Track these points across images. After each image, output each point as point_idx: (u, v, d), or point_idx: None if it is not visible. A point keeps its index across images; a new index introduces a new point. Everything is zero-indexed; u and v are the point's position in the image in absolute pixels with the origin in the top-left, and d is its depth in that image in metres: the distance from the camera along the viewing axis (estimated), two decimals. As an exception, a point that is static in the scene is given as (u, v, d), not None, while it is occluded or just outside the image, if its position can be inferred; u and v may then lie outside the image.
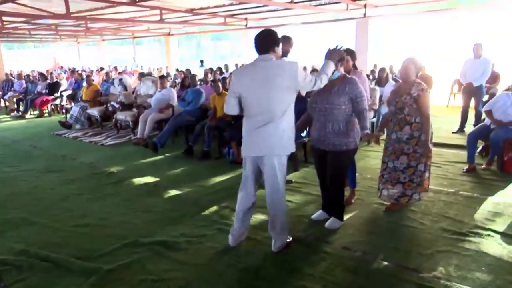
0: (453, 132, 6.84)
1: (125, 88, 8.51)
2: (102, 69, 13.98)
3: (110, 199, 4.21)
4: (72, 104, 9.50)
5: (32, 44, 25.61)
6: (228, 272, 2.77)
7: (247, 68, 2.84)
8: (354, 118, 3.22)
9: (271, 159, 2.78)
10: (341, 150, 3.21)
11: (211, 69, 11.25)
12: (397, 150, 3.57)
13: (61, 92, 10.65)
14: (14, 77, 12.26)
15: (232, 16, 12.91)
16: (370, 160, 5.38)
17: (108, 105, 8.11)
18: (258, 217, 3.55)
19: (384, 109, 6.97)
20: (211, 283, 2.66)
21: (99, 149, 6.54)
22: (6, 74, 12.26)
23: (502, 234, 3.18)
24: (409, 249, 3.01)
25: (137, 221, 3.63)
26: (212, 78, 8.24)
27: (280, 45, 2.78)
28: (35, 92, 10.78)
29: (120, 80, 8.65)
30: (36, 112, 10.46)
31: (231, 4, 10.49)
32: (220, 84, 5.96)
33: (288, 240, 3.08)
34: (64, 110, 9.63)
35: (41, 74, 11.64)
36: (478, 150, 5.25)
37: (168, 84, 10.20)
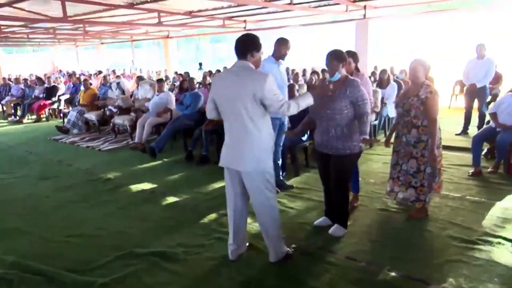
0: (456, 134, 6.72)
1: (123, 92, 8.40)
2: (100, 72, 13.85)
3: (106, 207, 4.08)
4: (70, 108, 9.39)
5: (31, 48, 25.53)
6: (227, 285, 2.65)
7: (223, 73, 2.71)
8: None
9: (246, 174, 2.64)
10: (345, 154, 3.10)
11: (210, 71, 11.13)
12: (407, 153, 3.47)
13: (58, 96, 10.53)
14: (12, 82, 12.13)
15: (230, 18, 12.81)
16: (373, 164, 5.26)
17: (106, 109, 7.99)
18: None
19: (386, 111, 6.87)
20: (210, 297, 2.54)
21: (96, 155, 6.42)
22: (4, 78, 12.15)
23: (513, 242, 3.05)
24: (416, 258, 2.89)
25: (133, 231, 3.50)
26: (210, 81, 8.12)
27: (261, 50, 2.62)
28: (33, 96, 10.67)
29: (118, 83, 8.53)
30: (34, 116, 10.33)
31: (230, 6, 10.39)
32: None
33: (288, 251, 2.93)
34: (62, 115, 9.51)
35: (38, 78, 11.53)
36: (483, 152, 5.13)
37: (166, 87, 10.15)
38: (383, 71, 7.30)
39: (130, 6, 9.22)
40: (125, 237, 3.37)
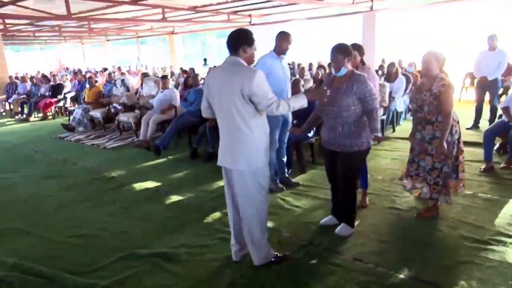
0: (467, 128, 6.54)
1: (128, 89, 8.34)
2: (105, 69, 13.84)
3: (109, 207, 4.03)
4: (76, 106, 9.37)
5: (38, 46, 25.67)
6: (230, 288, 2.57)
7: (214, 70, 2.61)
8: (365, 117, 3.00)
9: (237, 173, 2.55)
10: (353, 151, 2.99)
11: (214, 67, 11.04)
12: (422, 150, 3.35)
13: (64, 94, 10.53)
14: (18, 80, 12.17)
15: (235, 13, 12.70)
16: (381, 160, 5.14)
17: (111, 106, 7.94)
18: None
19: (394, 105, 6.73)
20: (212, 300, 2.47)
21: (101, 153, 6.38)
22: (10, 77, 12.17)
23: (528, 242, 2.93)
24: (426, 259, 2.78)
25: (136, 231, 3.45)
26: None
27: (254, 45, 2.51)
28: (39, 94, 10.67)
29: (122, 80, 8.47)
30: (40, 114, 10.35)
31: (234, 1, 10.28)
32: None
33: (277, 254, 2.81)
34: (68, 113, 9.51)
35: (44, 76, 11.54)
36: (495, 147, 4.98)
37: (172, 84, 10.07)
38: (391, 65, 7.14)
39: (134, 2, 9.16)
40: (127, 238, 3.32)
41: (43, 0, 8.82)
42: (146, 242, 3.21)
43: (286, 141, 4.28)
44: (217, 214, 3.68)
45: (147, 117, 6.62)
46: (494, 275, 2.55)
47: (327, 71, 9.12)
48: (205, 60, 15.01)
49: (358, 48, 3.48)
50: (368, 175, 3.98)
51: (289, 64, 10.48)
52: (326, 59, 10.83)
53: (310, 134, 4.92)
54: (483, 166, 4.56)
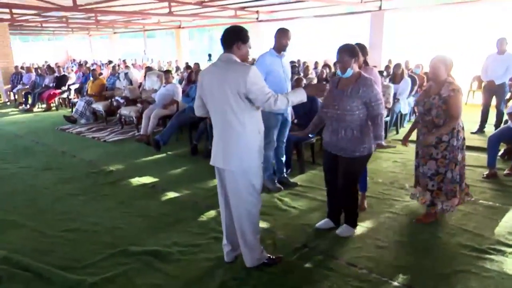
0: (472, 133, 6.44)
1: (131, 82, 8.32)
2: (110, 62, 13.83)
3: (104, 201, 4.01)
4: (79, 98, 9.37)
5: (47, 37, 25.74)
6: (220, 289, 2.53)
7: (208, 68, 2.55)
8: (369, 122, 2.93)
9: (229, 173, 2.50)
10: (354, 156, 2.93)
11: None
12: (425, 154, 3.27)
13: (68, 85, 10.53)
14: (24, 70, 12.19)
15: (243, 8, 12.61)
16: (382, 162, 5.06)
17: (113, 99, 7.92)
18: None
19: (398, 107, 6.63)
20: (201, 302, 2.43)
21: (101, 146, 6.36)
22: (16, 67, 12.20)
23: (528, 252, 2.86)
24: (421, 267, 2.72)
25: (129, 227, 3.41)
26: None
27: (248, 42, 2.46)
28: (43, 85, 10.68)
29: (126, 74, 8.45)
30: (44, 105, 10.36)
31: (241, -4, 10.22)
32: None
33: (269, 257, 2.76)
34: (71, 104, 9.51)
35: (48, 67, 11.55)
36: (500, 153, 4.88)
37: (177, 78, 10.03)
38: (397, 66, 7.04)
39: (140, -5, 9.12)
40: (121, 234, 3.28)
41: (50, -10, 8.83)
42: (139, 239, 3.18)
43: (285, 140, 4.22)
44: (212, 213, 3.63)
45: (148, 111, 6.58)
46: (491, 285, 2.48)
47: (332, 70, 9.03)
48: (209, 55, 14.94)
49: (361, 48, 3.39)
50: (368, 178, 3.92)
51: (294, 62, 10.46)
52: (332, 58, 10.76)
53: (311, 135, 4.85)
54: (486, 172, 4.47)
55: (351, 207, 3.17)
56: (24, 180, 4.71)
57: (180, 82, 8.81)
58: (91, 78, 8.86)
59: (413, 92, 7.21)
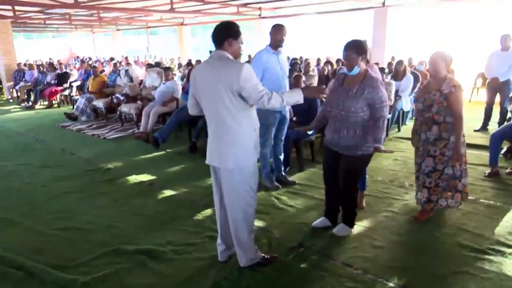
0: (475, 130, 6.36)
1: (131, 79, 8.29)
2: (112, 59, 13.82)
3: (101, 199, 3.98)
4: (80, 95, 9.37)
5: (51, 34, 25.81)
6: (213, 290, 2.49)
7: (200, 65, 2.50)
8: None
9: (225, 172, 2.46)
10: (356, 155, 2.88)
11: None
12: (425, 151, 3.23)
13: (70, 82, 10.52)
14: (26, 67, 12.20)
15: (245, 5, 12.54)
16: (382, 160, 4.99)
17: (113, 97, 7.90)
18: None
19: (400, 105, 6.55)
20: (193, 302, 2.39)
21: (100, 143, 6.35)
22: (19, 64, 12.22)
23: (528, 253, 2.79)
24: (419, 267, 2.67)
25: (124, 225, 3.38)
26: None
27: (239, 38, 2.40)
28: (45, 82, 10.69)
29: (126, 71, 8.43)
30: (46, 103, 10.37)
31: (243, -7, 10.14)
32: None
33: (264, 256, 2.73)
34: (73, 101, 9.51)
35: (50, 65, 11.55)
36: (502, 152, 4.80)
37: (179, 75, 9.98)
38: (399, 62, 6.93)
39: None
40: (115, 232, 3.26)
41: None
42: (133, 238, 3.15)
43: (283, 138, 4.16)
44: (209, 211, 3.60)
45: (148, 108, 6.56)
46: (489, 287, 2.43)
47: (334, 67, 8.94)
48: (210, 52, 14.86)
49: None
50: (367, 176, 3.88)
51: (296, 59, 10.39)
52: (335, 55, 10.67)
53: (310, 132, 4.80)
54: (488, 170, 4.40)
55: (350, 206, 3.13)
56: (21, 178, 4.69)
57: (182, 79, 8.77)
58: (92, 75, 8.84)
59: (416, 89, 7.12)
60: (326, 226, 3.23)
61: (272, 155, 4.18)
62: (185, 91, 6.54)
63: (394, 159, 5.00)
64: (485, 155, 4.83)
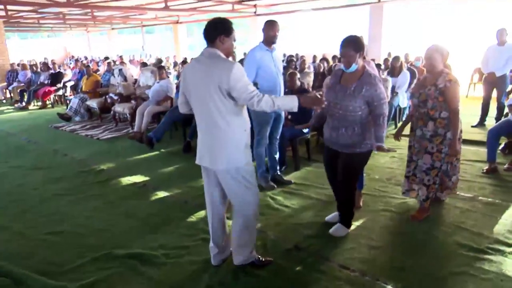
0: (472, 126, 6.30)
1: (125, 78, 8.19)
2: (107, 58, 13.70)
3: (93, 201, 3.90)
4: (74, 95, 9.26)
5: (46, 34, 25.61)
6: (205, 295, 2.42)
7: (191, 63, 2.43)
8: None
9: (219, 173, 2.40)
10: (355, 153, 2.82)
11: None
12: (422, 147, 3.17)
13: (64, 82, 10.41)
14: (19, 67, 12.07)
15: (240, 2, 12.45)
16: (379, 158, 4.92)
17: (107, 96, 7.80)
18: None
19: (397, 101, 6.49)
20: (185, 308, 2.32)
21: (93, 144, 6.26)
22: (12, 64, 12.09)
23: (528, 252, 2.73)
24: (417, 268, 2.60)
25: (116, 229, 3.30)
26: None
27: (232, 35, 2.32)
28: (38, 82, 10.56)
29: (120, 70, 8.32)
30: (39, 103, 10.25)
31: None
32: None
33: (259, 258, 2.68)
34: (67, 101, 9.40)
35: (44, 64, 11.41)
36: (500, 147, 4.74)
37: (174, 74, 9.88)
38: (396, 58, 6.87)
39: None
40: (106, 236, 3.18)
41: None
42: (124, 241, 3.07)
43: (278, 137, 4.09)
44: (202, 213, 3.52)
45: (142, 108, 6.47)
46: (489, 288, 2.37)
47: (330, 63, 8.86)
48: (204, 50, 14.74)
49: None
50: (364, 174, 3.80)
51: (292, 56, 10.30)
52: (330, 51, 10.59)
53: (306, 130, 4.73)
54: (485, 167, 4.34)
55: (347, 205, 3.07)
56: (12, 180, 4.60)
57: (178, 77, 8.69)
58: (86, 75, 8.73)
59: (412, 85, 7.06)
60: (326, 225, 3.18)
61: (267, 154, 4.11)
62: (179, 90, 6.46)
63: (391, 157, 4.93)
64: (482, 151, 4.78)
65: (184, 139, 5.78)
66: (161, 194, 4.05)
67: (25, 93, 10.52)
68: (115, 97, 7.52)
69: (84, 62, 13.68)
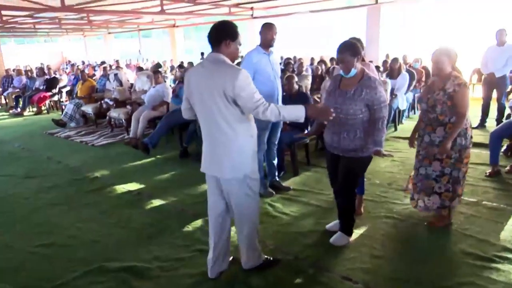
0: (472, 128, 6.18)
1: (121, 83, 8.08)
2: (103, 63, 13.60)
3: (86, 211, 3.78)
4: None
5: (43, 39, 25.49)
6: (201, 311, 2.31)
7: (195, 67, 2.35)
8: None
9: (225, 181, 2.35)
10: (356, 157, 2.73)
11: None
12: (430, 154, 3.05)
13: (60, 88, 10.29)
14: (14, 73, 11.96)
15: (237, 5, 12.36)
16: (380, 161, 4.81)
17: (102, 102, 7.69)
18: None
19: (396, 103, 6.39)
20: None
21: (88, 150, 6.14)
22: (7, 70, 11.97)
23: (537, 260, 2.63)
24: (422, 279, 2.50)
25: (109, 240, 3.19)
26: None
27: (237, 39, 2.25)
28: (33, 88, 10.45)
29: (116, 75, 8.21)
30: (35, 109, 10.13)
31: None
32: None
33: (267, 258, 2.66)
34: (63, 107, 9.28)
35: (39, 69, 11.30)
36: (502, 149, 4.66)
37: (171, 78, 9.80)
38: (394, 60, 6.79)
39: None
40: (98, 248, 3.06)
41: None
42: (117, 254, 2.96)
43: (276, 142, 3.99)
44: (198, 222, 3.41)
45: (137, 113, 6.36)
46: (498, 300, 2.27)
47: (328, 65, 8.78)
48: (202, 54, 14.67)
49: (357, 41, 3.17)
50: (365, 179, 3.70)
51: (289, 58, 10.21)
52: (328, 54, 10.51)
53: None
54: (488, 170, 4.25)
55: (347, 212, 2.97)
56: (3, 190, 4.48)
57: (175, 82, 8.59)
58: (81, 80, 8.62)
59: (411, 87, 6.99)
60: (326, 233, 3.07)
61: (265, 160, 4.01)
62: (175, 94, 6.36)
63: (392, 160, 4.83)
64: (484, 153, 4.69)
65: (180, 145, 5.68)
66: (157, 202, 3.93)
67: (20, 99, 10.41)
68: (111, 102, 7.42)
69: (80, 67, 13.54)
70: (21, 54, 22.35)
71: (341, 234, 2.99)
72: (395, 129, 6.47)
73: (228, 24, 2.24)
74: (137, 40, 20.88)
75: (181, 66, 10.01)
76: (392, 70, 6.71)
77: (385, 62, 8.15)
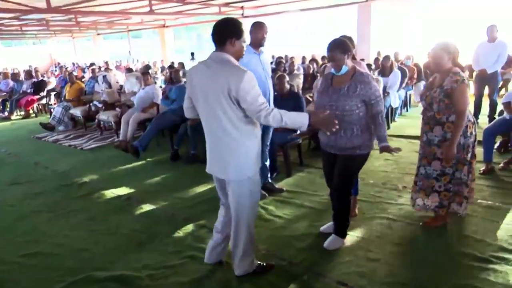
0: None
1: (109, 85, 7.95)
2: (92, 65, 13.42)
3: (74, 218, 3.67)
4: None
5: (31, 41, 25.13)
6: (192, 321, 2.23)
7: (198, 66, 2.28)
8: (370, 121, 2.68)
9: (227, 182, 2.33)
10: (354, 155, 2.67)
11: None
12: (428, 154, 2.98)
13: (48, 91, 10.11)
14: (1, 76, 11.72)
15: (227, 4, 12.27)
16: (374, 160, 4.76)
17: (91, 104, 7.55)
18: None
19: (388, 101, 6.35)
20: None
21: (77, 154, 6.01)
22: (-6, 73, 11.74)
23: (535, 260, 2.59)
24: (418, 282, 2.45)
25: (97, 248, 3.08)
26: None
27: (243, 37, 2.18)
28: (21, 91, 10.25)
29: (104, 77, 8.08)
30: (22, 113, 9.94)
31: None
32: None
33: (260, 264, 2.61)
34: (51, 110, 9.12)
35: (26, 72, 11.10)
36: (496, 146, 4.63)
37: (161, 79, 9.67)
38: (386, 58, 6.75)
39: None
40: (86, 257, 2.96)
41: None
42: (106, 262, 2.86)
43: (268, 143, 3.91)
44: (189, 227, 3.33)
45: (127, 115, 6.23)
46: (497, 303, 2.22)
47: (320, 63, 8.73)
48: (192, 54, 14.56)
49: (348, 39, 3.11)
50: (359, 179, 3.65)
51: (281, 57, 10.15)
52: (319, 52, 10.46)
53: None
54: (482, 167, 4.21)
55: (342, 213, 2.90)
56: (-12, 197, 4.36)
57: (166, 82, 8.47)
58: (69, 82, 8.47)
59: (403, 85, 6.96)
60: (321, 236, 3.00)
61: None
62: (165, 95, 6.25)
63: (386, 159, 4.78)
64: (477, 151, 4.63)
65: (171, 147, 5.58)
66: (147, 207, 3.84)
67: (7, 103, 10.21)
68: (100, 105, 7.28)
69: (70, 69, 13.33)
70: (9, 57, 22.03)
71: (335, 237, 2.92)
72: (388, 127, 6.42)
73: (232, 21, 2.17)
74: (127, 41, 20.68)
75: (171, 66, 9.89)
76: (383, 67, 6.67)
77: (376, 59, 8.11)
